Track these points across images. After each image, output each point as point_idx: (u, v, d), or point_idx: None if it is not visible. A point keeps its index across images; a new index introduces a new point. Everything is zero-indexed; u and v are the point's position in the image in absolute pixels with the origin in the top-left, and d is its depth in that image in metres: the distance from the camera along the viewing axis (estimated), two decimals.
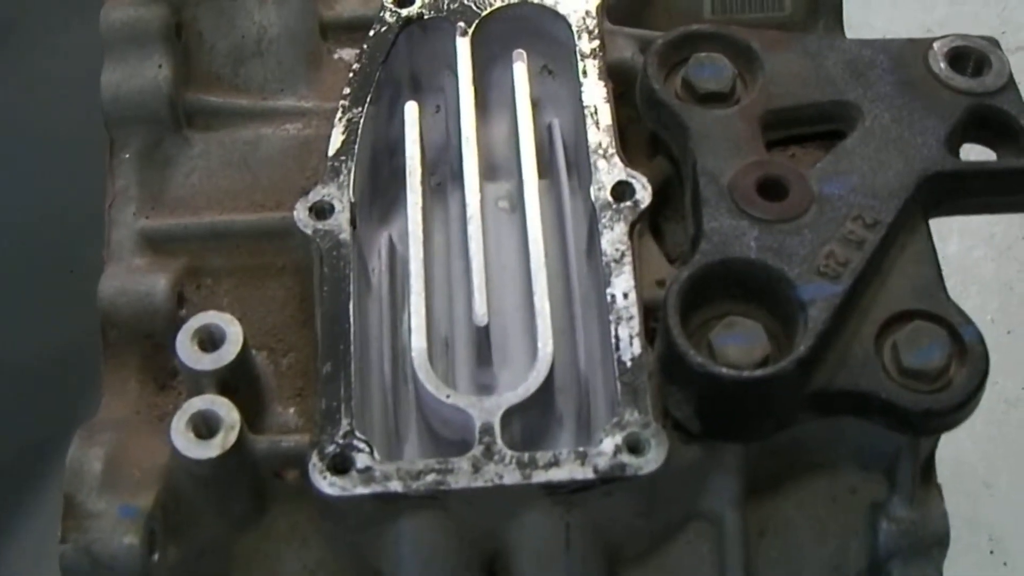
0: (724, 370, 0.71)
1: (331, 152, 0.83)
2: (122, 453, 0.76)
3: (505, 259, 0.85)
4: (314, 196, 0.81)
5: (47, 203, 1.42)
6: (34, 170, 1.45)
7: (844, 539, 0.79)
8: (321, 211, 0.81)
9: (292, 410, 0.81)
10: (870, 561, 0.79)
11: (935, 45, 0.84)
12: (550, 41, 0.90)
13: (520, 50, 0.89)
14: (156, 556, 0.74)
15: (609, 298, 0.77)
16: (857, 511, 0.79)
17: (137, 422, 0.81)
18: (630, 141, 0.85)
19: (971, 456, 1.43)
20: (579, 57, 0.87)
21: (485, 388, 0.80)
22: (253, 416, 0.78)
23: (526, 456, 0.73)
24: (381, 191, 0.87)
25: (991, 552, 1.41)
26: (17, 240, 1.43)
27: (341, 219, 0.81)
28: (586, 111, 0.85)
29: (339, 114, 0.85)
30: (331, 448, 0.73)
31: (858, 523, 0.79)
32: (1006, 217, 1.59)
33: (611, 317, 0.77)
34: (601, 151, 0.83)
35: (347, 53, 0.92)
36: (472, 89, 0.87)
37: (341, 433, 0.73)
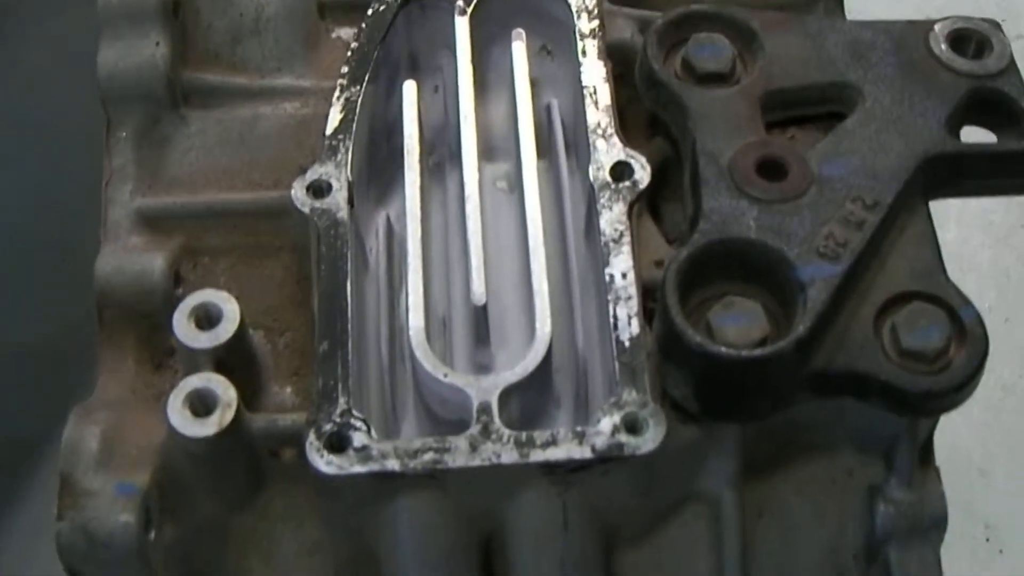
0: (722, 349, 0.71)
1: (329, 131, 0.83)
2: (118, 431, 0.76)
3: (503, 239, 0.84)
4: (311, 175, 0.81)
5: (41, 188, 1.42)
6: (29, 154, 1.45)
7: (841, 521, 0.79)
8: (319, 190, 0.81)
9: (289, 389, 0.80)
10: (867, 543, 0.79)
11: (936, 27, 0.84)
12: (549, 21, 0.89)
13: (519, 30, 0.89)
14: (152, 534, 0.73)
15: (608, 278, 0.77)
16: (855, 493, 0.79)
17: (133, 401, 0.81)
18: (629, 121, 0.85)
19: (967, 443, 1.44)
20: (578, 37, 0.86)
21: (483, 367, 0.80)
22: (250, 395, 0.77)
23: (524, 435, 0.72)
24: (379, 171, 0.87)
25: (987, 540, 1.41)
26: (11, 225, 1.42)
27: (339, 198, 0.80)
28: (585, 91, 0.84)
29: (337, 93, 0.84)
30: (328, 427, 0.73)
31: (856, 505, 0.79)
32: (1004, 205, 1.59)
33: (609, 297, 0.76)
34: (600, 131, 0.83)
35: (345, 32, 0.91)
36: (471, 69, 0.86)
37: (338, 412, 0.73)
